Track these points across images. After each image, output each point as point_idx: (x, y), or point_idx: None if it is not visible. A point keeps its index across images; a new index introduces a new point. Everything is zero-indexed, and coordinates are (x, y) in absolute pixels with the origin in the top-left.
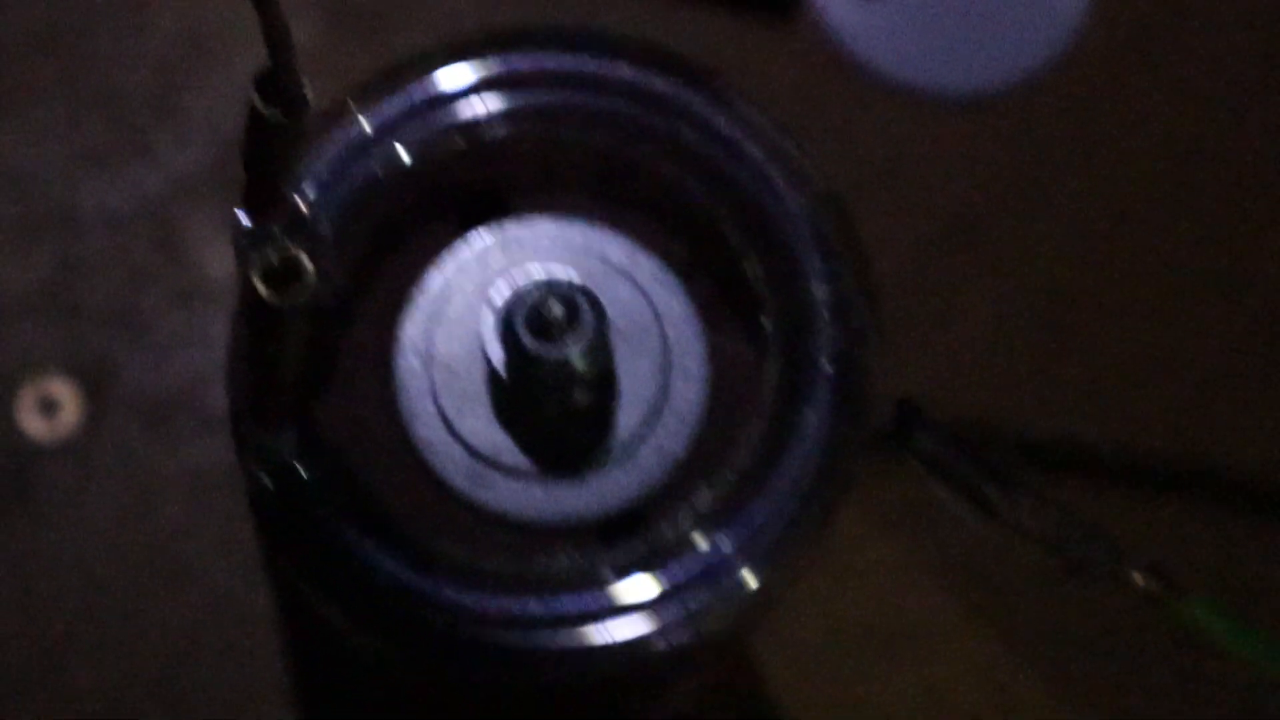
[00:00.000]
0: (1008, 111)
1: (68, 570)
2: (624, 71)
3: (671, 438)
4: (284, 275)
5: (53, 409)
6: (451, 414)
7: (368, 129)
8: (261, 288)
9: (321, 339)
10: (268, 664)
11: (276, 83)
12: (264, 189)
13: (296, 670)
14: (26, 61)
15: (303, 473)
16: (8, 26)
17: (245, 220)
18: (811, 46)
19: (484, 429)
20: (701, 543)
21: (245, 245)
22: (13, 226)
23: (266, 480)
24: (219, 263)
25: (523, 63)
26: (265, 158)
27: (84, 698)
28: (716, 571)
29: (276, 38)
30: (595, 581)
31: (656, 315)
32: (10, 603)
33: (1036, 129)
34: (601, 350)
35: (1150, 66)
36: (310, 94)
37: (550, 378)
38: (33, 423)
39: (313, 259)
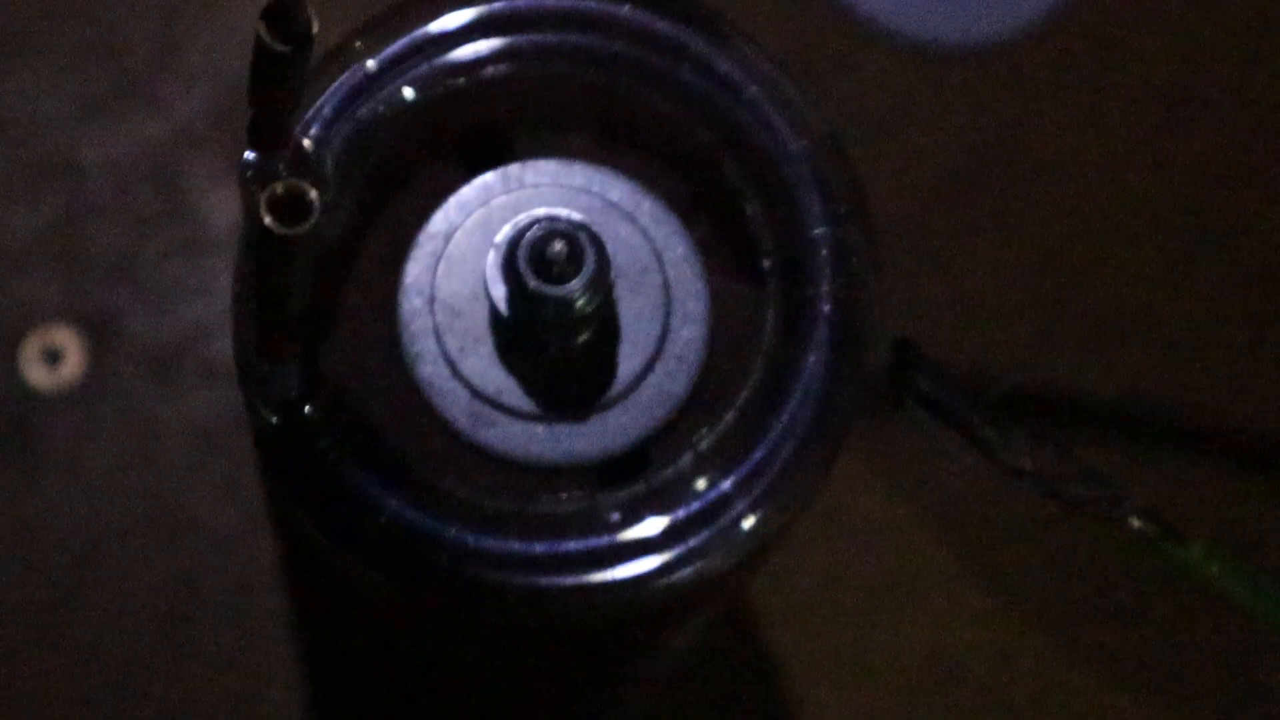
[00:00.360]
0: (1006, 62)
1: (71, 518)
2: (625, 12)
3: (672, 378)
4: (289, 205)
5: (56, 358)
6: (454, 354)
7: (372, 67)
8: (268, 217)
9: (326, 278)
10: (271, 609)
11: (284, 15)
12: (269, 124)
13: (300, 614)
14: (28, 10)
15: (307, 409)
16: None
17: (250, 155)
18: None
19: (487, 369)
20: (702, 482)
21: (251, 177)
22: (16, 176)
23: (271, 416)
24: (222, 212)
25: (525, 3)
26: (271, 92)
27: (88, 642)
28: (717, 511)
29: None
30: (597, 521)
31: (657, 255)
32: (14, 550)
33: (1035, 80)
34: (603, 289)
35: (1148, 17)
36: (317, 27)
37: (552, 316)
38: (36, 372)
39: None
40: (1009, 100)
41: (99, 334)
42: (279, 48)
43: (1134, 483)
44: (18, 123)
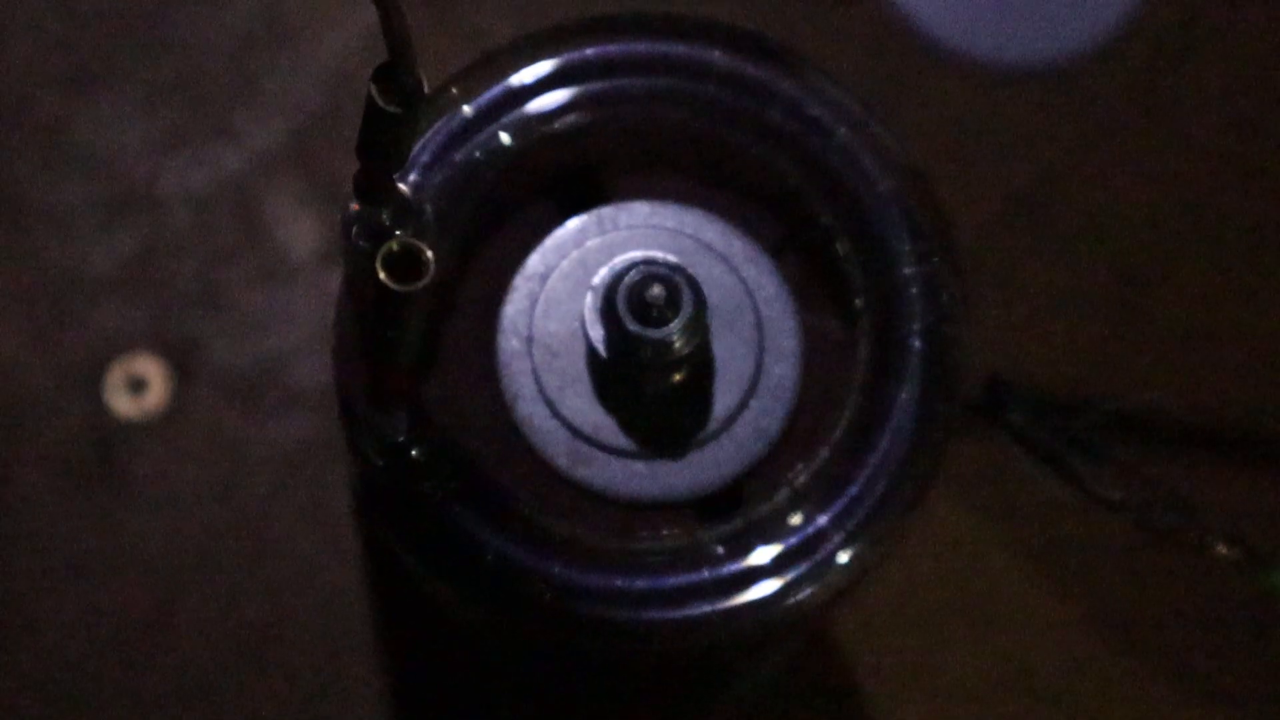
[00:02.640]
0: (1072, 83)
1: (157, 544)
2: (715, 56)
3: (767, 415)
4: (405, 263)
5: (140, 387)
6: (553, 393)
7: (468, 113)
8: (383, 274)
9: (426, 322)
10: (356, 631)
11: (394, 75)
12: (375, 178)
13: (386, 636)
14: (106, 43)
15: (413, 452)
16: (87, 8)
17: (355, 206)
18: (877, 21)
19: (585, 408)
20: (797, 518)
21: (360, 233)
22: (97, 208)
23: (377, 460)
24: (301, 240)
25: (616, 49)
26: (380, 149)
27: (175, 666)
28: (813, 545)
29: (397, 34)
30: (696, 557)
31: (750, 294)
32: (102, 576)
33: (1101, 100)
34: (700, 330)
35: (1214, 37)
36: (427, 87)
37: (650, 357)
38: (121, 401)
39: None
40: (1074, 120)
41: (182, 362)
42: (390, 108)
43: (1213, 497)
44: (97, 155)
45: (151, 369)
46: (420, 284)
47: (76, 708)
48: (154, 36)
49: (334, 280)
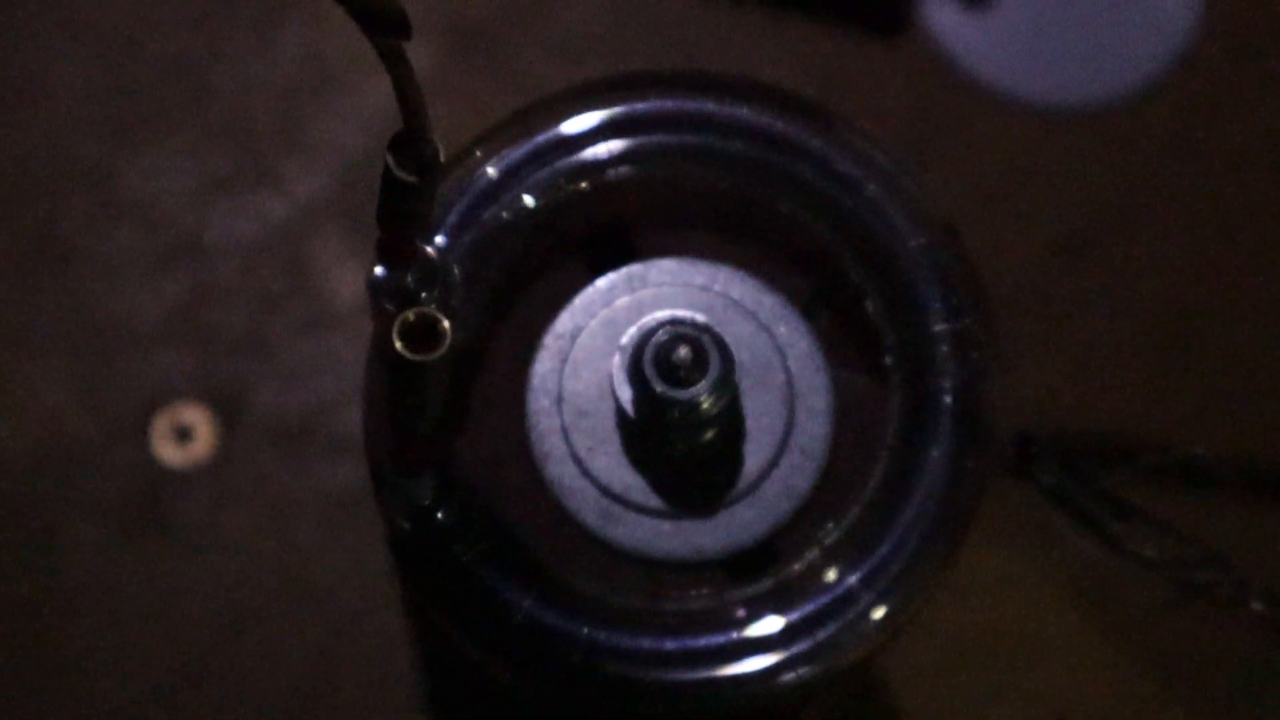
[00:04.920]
0: (1119, 124)
1: (205, 593)
2: (744, 113)
3: (797, 473)
4: (421, 332)
5: (186, 435)
6: (582, 453)
7: (493, 174)
8: (399, 344)
9: (456, 382)
10: (401, 681)
11: (410, 144)
12: (397, 241)
13: (429, 688)
14: (154, 92)
15: (440, 515)
16: (136, 59)
17: (379, 271)
18: (922, 62)
19: (614, 467)
20: (828, 577)
21: (381, 301)
22: (144, 256)
23: (405, 524)
24: (346, 288)
25: (644, 106)
26: (399, 213)
27: (222, 712)
28: (843, 605)
29: (411, 104)
30: (726, 617)
31: (780, 352)
32: (150, 623)
33: (1149, 141)
34: (728, 390)
35: (1261, 78)
36: (443, 156)
37: (678, 418)
38: (167, 449)
39: (445, 306)
40: (1122, 162)
41: (228, 410)
42: (407, 177)
43: (1256, 550)
44: (144, 204)
45: (197, 417)
46: (437, 354)
47: None
48: (200, 85)
49: None
